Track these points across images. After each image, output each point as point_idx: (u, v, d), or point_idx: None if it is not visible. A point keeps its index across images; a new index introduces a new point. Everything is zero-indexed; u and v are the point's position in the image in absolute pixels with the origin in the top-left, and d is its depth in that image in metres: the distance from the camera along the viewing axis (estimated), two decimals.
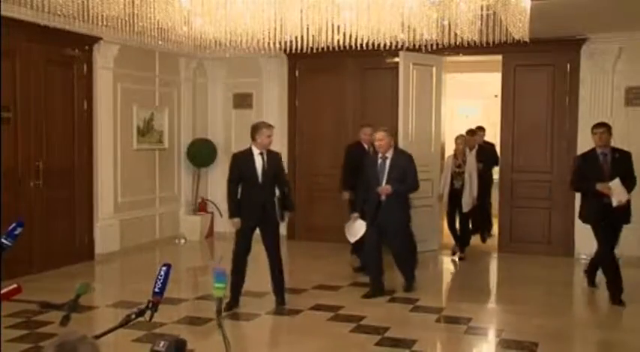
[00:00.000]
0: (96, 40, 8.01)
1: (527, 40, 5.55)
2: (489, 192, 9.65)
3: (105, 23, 5.28)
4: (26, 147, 7.30)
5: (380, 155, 6.64)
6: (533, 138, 8.91)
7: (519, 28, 5.25)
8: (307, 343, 5.32)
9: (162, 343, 1.98)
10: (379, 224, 6.55)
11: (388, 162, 6.58)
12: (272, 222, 6.19)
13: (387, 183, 6.52)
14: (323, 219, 9.41)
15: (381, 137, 6.57)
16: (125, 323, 2.42)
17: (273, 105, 9.96)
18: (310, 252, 8.92)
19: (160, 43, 5.84)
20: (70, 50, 7.88)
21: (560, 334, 5.66)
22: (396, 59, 8.73)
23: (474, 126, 9.81)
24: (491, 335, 5.65)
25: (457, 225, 8.75)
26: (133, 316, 2.41)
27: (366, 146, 8.28)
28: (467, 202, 8.38)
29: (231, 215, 6.15)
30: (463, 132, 9.28)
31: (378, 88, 9.47)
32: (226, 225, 6.08)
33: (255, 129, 6.11)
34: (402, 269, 6.92)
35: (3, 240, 2.80)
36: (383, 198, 6.53)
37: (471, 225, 9.00)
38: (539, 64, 8.85)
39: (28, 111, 7.31)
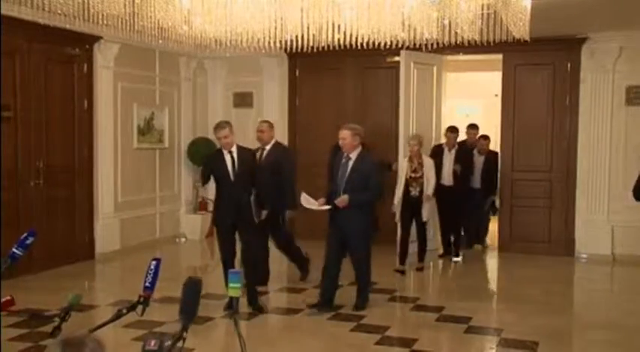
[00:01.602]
0: (96, 39, 8.01)
1: (527, 39, 5.54)
2: (464, 199, 8.69)
3: (105, 22, 5.27)
4: (27, 146, 7.30)
5: (345, 154, 6.12)
6: (533, 138, 8.90)
7: (520, 27, 5.25)
8: (307, 342, 5.32)
9: (153, 342, 1.98)
10: (340, 228, 6.04)
11: (351, 163, 6.05)
12: (248, 220, 6.06)
13: (346, 184, 5.98)
14: (322, 218, 9.37)
15: (344, 136, 6.07)
16: (116, 318, 2.42)
17: (273, 104, 9.96)
18: (310, 251, 8.92)
19: (160, 42, 5.84)
20: (70, 49, 7.88)
21: (561, 333, 5.66)
22: (397, 58, 8.73)
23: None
24: (492, 335, 5.64)
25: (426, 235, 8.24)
26: (125, 311, 2.41)
27: None
28: (426, 210, 7.59)
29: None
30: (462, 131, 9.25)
31: (378, 87, 9.47)
32: None
33: (214, 129, 6.12)
34: (357, 284, 6.28)
35: (14, 250, 2.79)
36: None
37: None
38: (539, 63, 8.85)
39: (29, 110, 7.31)
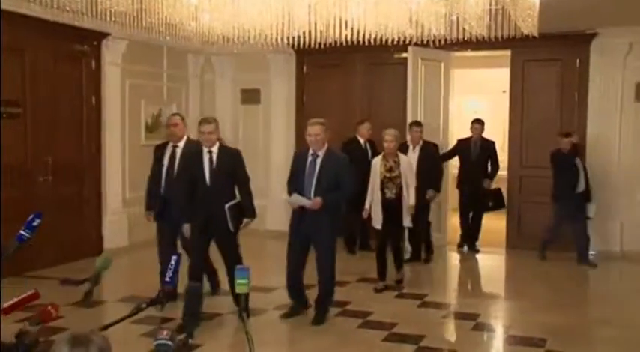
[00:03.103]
0: (104, 35, 8.03)
1: (536, 35, 5.52)
2: (426, 207, 7.90)
3: (113, 19, 5.29)
4: (36, 142, 7.34)
5: (311, 151, 5.61)
6: (541, 134, 8.85)
7: (528, 23, 5.23)
8: (315, 338, 5.33)
9: (165, 332, 2.02)
10: (305, 233, 5.60)
11: (319, 161, 5.56)
12: (222, 229, 5.51)
13: (316, 185, 5.51)
14: None
15: (316, 131, 5.53)
16: (137, 312, 2.44)
17: (280, 101, 9.96)
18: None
19: (167, 38, 5.84)
20: (78, 46, 7.91)
21: (568, 330, 5.64)
22: (404, 55, 8.71)
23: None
24: (499, 331, 5.64)
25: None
26: (144, 305, 2.43)
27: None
28: (406, 214, 6.69)
29: (184, 220, 5.60)
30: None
31: (386, 83, 9.45)
32: None
33: (199, 123, 5.63)
34: (319, 293, 5.80)
35: (22, 232, 2.81)
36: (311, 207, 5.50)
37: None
38: (548, 59, 8.81)
39: (38, 106, 7.34)
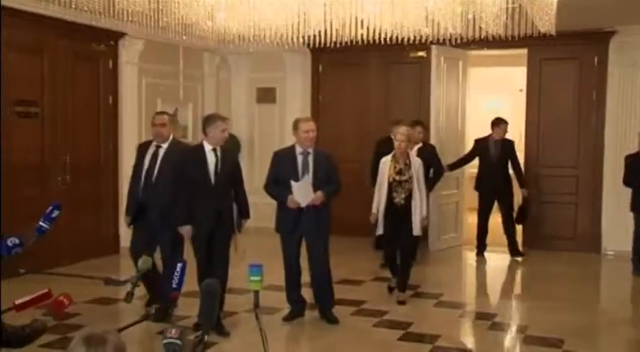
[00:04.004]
0: (121, 35, 8.09)
1: (553, 33, 5.47)
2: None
3: (130, 19, 5.33)
4: (53, 141, 7.41)
5: (300, 150, 5.49)
6: (559, 133, 8.79)
7: (545, 21, 5.19)
8: (330, 337, 5.33)
9: (173, 331, 2.03)
10: (300, 234, 5.56)
11: (311, 158, 5.47)
12: (226, 230, 5.34)
13: (313, 182, 5.40)
14: (347, 213, 9.36)
15: (314, 127, 5.49)
16: (144, 318, 2.47)
17: (296, 99, 9.97)
18: (334, 247, 8.87)
19: (184, 37, 5.87)
20: (95, 46, 7.97)
21: (586, 331, 5.59)
22: (420, 53, 8.69)
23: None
24: (516, 332, 5.60)
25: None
26: (153, 311, 2.46)
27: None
28: (417, 221, 6.10)
29: (181, 222, 5.23)
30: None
31: (402, 82, 9.43)
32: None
33: (208, 120, 5.36)
34: (320, 295, 5.71)
35: (41, 224, 2.83)
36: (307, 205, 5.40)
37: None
38: (565, 57, 8.73)
39: (56, 106, 7.42)
